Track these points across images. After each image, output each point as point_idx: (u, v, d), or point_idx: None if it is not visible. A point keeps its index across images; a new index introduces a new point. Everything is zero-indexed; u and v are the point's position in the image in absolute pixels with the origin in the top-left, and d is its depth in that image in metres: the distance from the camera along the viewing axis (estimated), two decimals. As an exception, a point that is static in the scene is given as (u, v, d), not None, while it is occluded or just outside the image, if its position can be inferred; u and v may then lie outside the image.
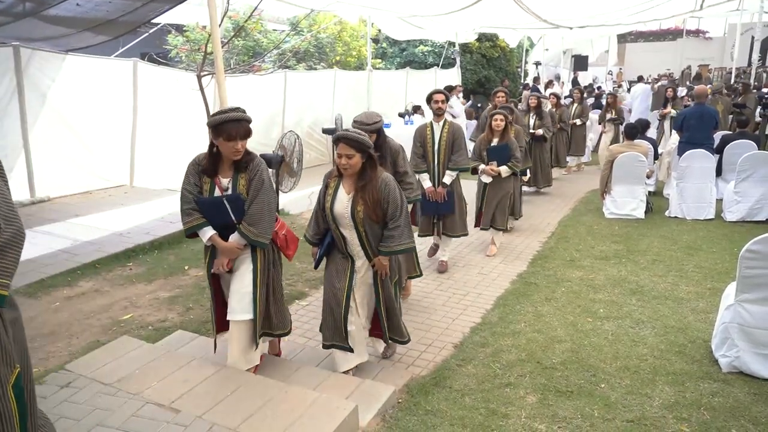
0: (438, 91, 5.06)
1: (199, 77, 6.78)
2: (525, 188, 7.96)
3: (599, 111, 12.02)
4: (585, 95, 11.46)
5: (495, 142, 5.60)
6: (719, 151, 7.72)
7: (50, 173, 7.46)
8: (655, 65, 23.67)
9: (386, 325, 3.43)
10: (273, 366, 3.40)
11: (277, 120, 9.79)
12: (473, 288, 4.96)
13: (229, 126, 2.93)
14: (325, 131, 9.71)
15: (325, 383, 3.16)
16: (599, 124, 10.65)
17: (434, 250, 5.69)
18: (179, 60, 12.30)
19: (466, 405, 3.13)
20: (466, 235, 5.37)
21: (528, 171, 7.82)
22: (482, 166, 5.56)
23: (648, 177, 7.39)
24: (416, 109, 11.84)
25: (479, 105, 13.66)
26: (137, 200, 7.50)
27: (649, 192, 7.74)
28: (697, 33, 27.26)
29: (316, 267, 3.54)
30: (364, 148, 3.13)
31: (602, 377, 3.41)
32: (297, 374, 3.28)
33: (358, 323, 3.34)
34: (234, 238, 3.08)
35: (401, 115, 11.27)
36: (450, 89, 13.25)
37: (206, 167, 3.08)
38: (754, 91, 12.07)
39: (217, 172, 3.09)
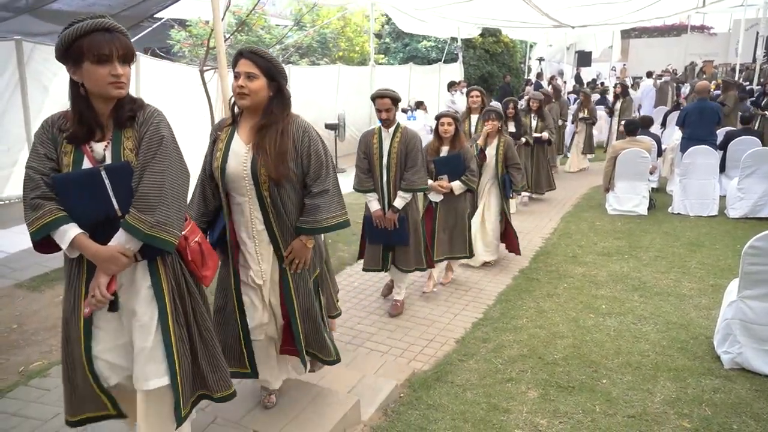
0: (382, 95, 3.86)
1: (202, 72, 6.78)
2: (524, 194, 7.69)
3: (603, 107, 12.00)
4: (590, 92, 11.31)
5: (444, 151, 4.52)
6: (723, 147, 7.69)
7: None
8: (659, 61, 23.54)
9: (303, 339, 2.59)
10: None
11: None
12: (475, 284, 4.96)
13: (98, 39, 1.84)
14: (328, 126, 9.71)
15: (327, 377, 3.17)
16: (572, 123, 10.31)
17: (390, 287, 4.62)
18: (182, 55, 12.30)
19: (467, 400, 3.14)
20: (423, 269, 4.33)
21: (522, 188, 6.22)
22: (429, 182, 4.34)
23: (651, 173, 7.38)
24: (419, 105, 11.84)
25: (482, 100, 13.61)
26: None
27: (652, 188, 7.72)
28: (701, 29, 27.11)
29: None
30: (273, 72, 2.33)
31: (604, 373, 3.41)
32: (295, 372, 3.29)
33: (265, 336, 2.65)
34: (118, 238, 1.92)
35: (404, 111, 11.26)
36: (453, 85, 13.25)
37: (70, 128, 1.93)
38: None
39: (90, 134, 1.94)
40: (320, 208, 2.41)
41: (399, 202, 4.00)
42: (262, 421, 2.69)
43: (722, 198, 7.28)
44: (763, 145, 7.36)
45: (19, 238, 5.63)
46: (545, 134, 7.76)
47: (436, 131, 4.53)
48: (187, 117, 8.10)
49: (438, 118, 4.53)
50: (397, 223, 4.02)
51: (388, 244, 4.15)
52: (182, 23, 11.97)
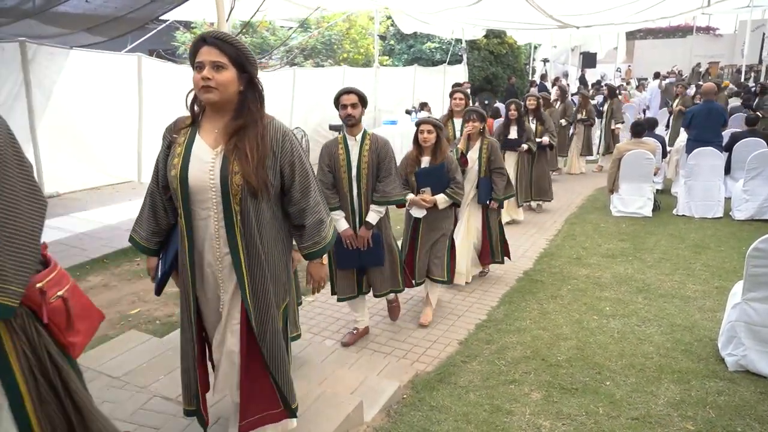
0: (347, 91, 3.51)
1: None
2: (532, 202, 7.44)
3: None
4: (589, 92, 11.10)
5: (426, 161, 4.05)
6: (728, 149, 7.66)
7: (59, 169, 7.52)
8: (665, 62, 23.51)
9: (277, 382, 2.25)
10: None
11: (284, 117, 9.83)
12: (479, 285, 4.96)
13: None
14: (333, 128, 9.74)
15: (329, 378, 3.18)
16: (570, 124, 9.85)
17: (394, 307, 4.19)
18: (187, 57, 12.37)
19: (470, 401, 3.14)
20: (398, 291, 3.95)
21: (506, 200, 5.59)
22: (411, 196, 3.97)
23: (654, 174, 7.36)
24: (423, 106, 11.84)
25: (486, 102, 13.63)
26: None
27: (657, 190, 7.70)
28: (707, 30, 27.03)
29: (157, 293, 2.40)
30: (243, 61, 1.98)
31: (607, 375, 3.40)
32: (302, 369, 3.30)
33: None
34: None
35: (408, 112, 11.28)
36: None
37: None
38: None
39: None
40: (317, 227, 2.18)
41: (373, 217, 3.57)
42: (266, 421, 2.69)
43: (727, 200, 7.25)
44: None
45: None
46: (545, 138, 7.39)
47: (416, 139, 4.03)
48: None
49: (418, 124, 4.03)
50: (371, 242, 3.60)
51: (362, 267, 3.72)
52: (187, 25, 12.02)
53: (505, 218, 6.16)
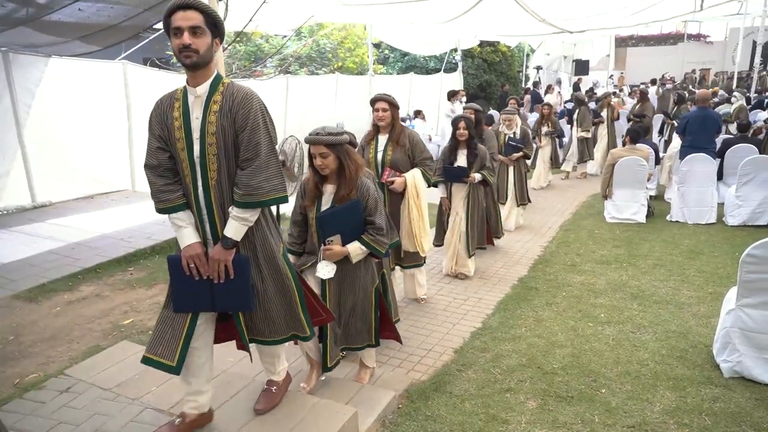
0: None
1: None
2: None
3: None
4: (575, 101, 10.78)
5: (327, 200, 2.95)
6: (721, 155, 7.71)
7: (51, 178, 7.47)
8: (656, 69, 23.73)
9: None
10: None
11: (278, 125, 9.80)
12: (474, 293, 4.95)
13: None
14: (327, 135, 9.72)
15: (324, 388, 3.16)
16: (533, 138, 9.60)
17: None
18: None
19: (466, 410, 3.12)
20: (304, 339, 2.68)
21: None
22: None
23: (647, 180, 7.39)
24: (417, 113, 11.88)
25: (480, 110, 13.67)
26: (138, 204, 7.51)
27: (651, 196, 7.73)
28: (698, 37, 27.31)
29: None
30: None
31: (603, 382, 3.39)
32: (296, 379, 3.27)
33: None
34: None
35: (403, 120, 11.29)
36: (453, 94, 13.30)
37: None
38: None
39: None
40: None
41: (233, 229, 2.33)
42: (259, 433, 2.67)
43: (720, 205, 7.28)
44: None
45: (17, 247, 5.63)
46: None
47: (311, 163, 2.88)
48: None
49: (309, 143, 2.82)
50: (232, 270, 2.36)
51: (216, 310, 2.50)
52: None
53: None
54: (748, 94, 13.78)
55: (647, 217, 7.24)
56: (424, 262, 4.55)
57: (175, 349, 2.39)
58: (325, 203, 2.96)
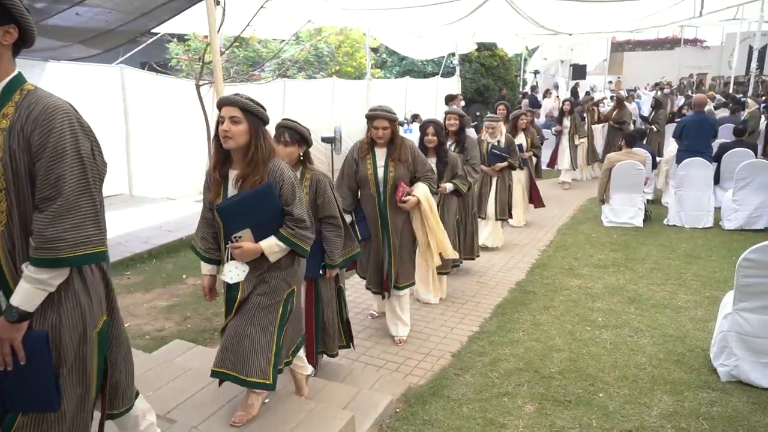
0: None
1: (198, 86, 6.81)
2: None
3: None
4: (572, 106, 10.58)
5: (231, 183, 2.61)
6: (717, 159, 7.74)
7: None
8: (653, 74, 23.87)
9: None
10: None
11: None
12: (471, 297, 4.95)
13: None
14: (324, 140, 9.73)
15: (321, 393, 3.15)
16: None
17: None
18: (180, 69, 12.35)
19: (463, 414, 3.12)
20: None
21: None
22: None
23: (644, 184, 7.41)
24: (414, 118, 11.89)
25: (477, 113, 13.72)
26: (135, 209, 7.50)
27: (648, 200, 7.75)
28: (694, 42, 27.48)
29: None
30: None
31: (600, 386, 3.39)
32: (293, 384, 3.26)
33: None
34: None
35: (400, 124, 11.31)
36: (451, 98, 13.33)
37: None
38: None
39: None
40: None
41: (21, 297, 1.74)
42: (256, 437, 2.66)
43: (717, 210, 7.30)
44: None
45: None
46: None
47: (216, 133, 2.52)
48: (181, 130, 8.13)
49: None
50: (22, 353, 1.70)
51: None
52: (180, 37, 12.04)
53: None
54: (744, 99, 13.81)
55: (644, 221, 7.25)
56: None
57: None
58: (231, 192, 2.46)
